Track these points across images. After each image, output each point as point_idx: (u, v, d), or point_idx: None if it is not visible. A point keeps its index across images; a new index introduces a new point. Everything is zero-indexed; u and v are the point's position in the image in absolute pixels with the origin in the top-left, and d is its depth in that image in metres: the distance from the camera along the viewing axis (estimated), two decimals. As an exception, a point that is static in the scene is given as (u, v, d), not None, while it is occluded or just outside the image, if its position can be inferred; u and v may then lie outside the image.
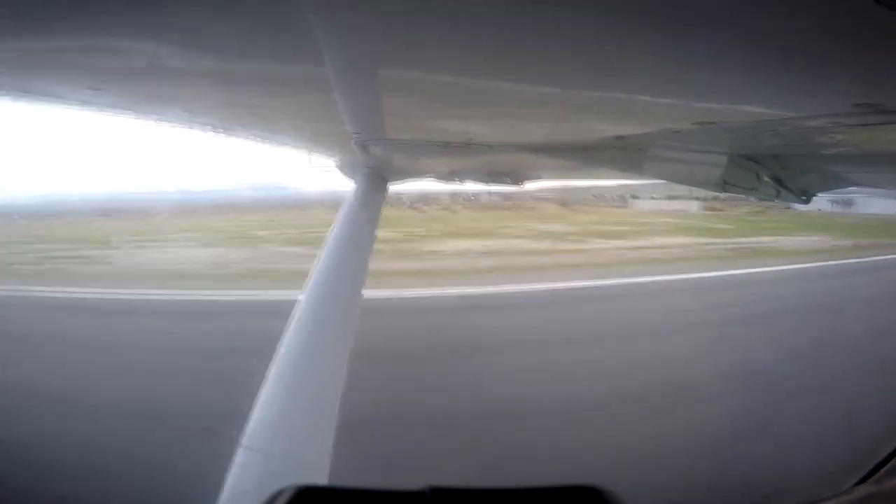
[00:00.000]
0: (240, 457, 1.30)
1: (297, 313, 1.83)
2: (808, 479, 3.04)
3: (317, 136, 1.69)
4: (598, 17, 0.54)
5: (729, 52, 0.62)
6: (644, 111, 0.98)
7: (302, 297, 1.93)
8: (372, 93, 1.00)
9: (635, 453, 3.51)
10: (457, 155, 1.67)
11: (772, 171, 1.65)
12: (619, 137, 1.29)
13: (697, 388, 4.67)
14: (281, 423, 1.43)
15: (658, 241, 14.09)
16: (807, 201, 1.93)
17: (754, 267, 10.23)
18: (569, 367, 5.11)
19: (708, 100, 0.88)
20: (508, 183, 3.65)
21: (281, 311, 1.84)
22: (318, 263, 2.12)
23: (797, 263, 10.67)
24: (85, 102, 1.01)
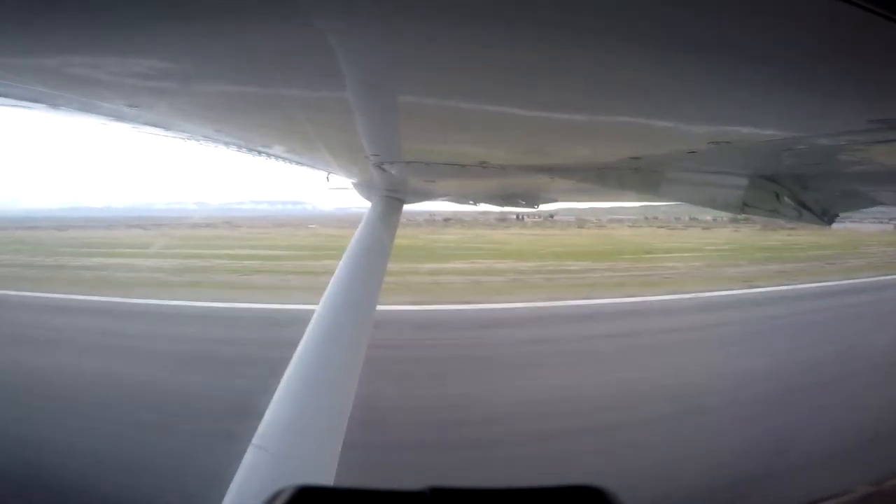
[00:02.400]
0: (249, 456, 1.34)
1: (312, 324, 1.87)
2: None
3: (336, 156, 1.74)
4: (613, 42, 0.56)
5: (742, 72, 0.62)
6: (659, 131, 0.98)
7: (317, 309, 1.97)
8: (390, 115, 1.03)
9: None
10: (472, 177, 1.69)
11: (793, 191, 1.62)
12: (635, 158, 1.29)
13: None
14: (291, 426, 1.47)
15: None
16: (829, 222, 1.88)
17: None
18: None
19: (722, 119, 0.88)
20: (522, 205, 3.66)
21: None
22: (335, 278, 2.15)
23: None
24: (120, 117, 1.07)
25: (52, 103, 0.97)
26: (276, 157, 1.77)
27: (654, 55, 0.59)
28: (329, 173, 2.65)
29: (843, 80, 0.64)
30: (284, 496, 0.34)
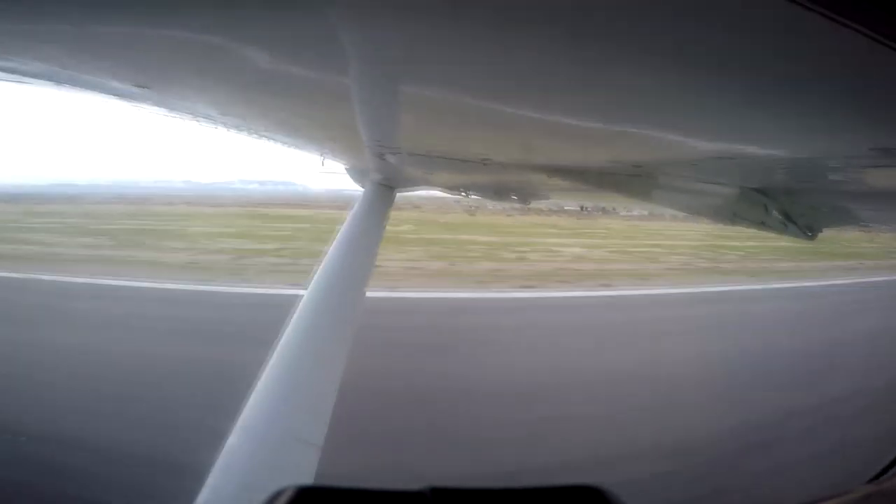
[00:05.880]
0: (226, 452, 1.25)
1: (296, 315, 1.81)
2: None
3: (336, 143, 1.71)
4: (626, 52, 0.56)
5: (752, 93, 0.63)
6: (664, 143, 1.00)
7: (303, 298, 1.91)
8: (398, 109, 1.02)
9: None
10: (472, 172, 1.68)
11: (781, 205, 1.66)
12: (636, 166, 1.31)
13: None
14: (270, 424, 1.39)
15: None
16: (812, 237, 1.94)
17: None
18: None
19: (728, 136, 0.90)
20: (515, 200, 3.68)
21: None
22: (323, 266, 2.11)
23: None
24: (126, 96, 1.03)
25: (58, 80, 0.94)
26: (275, 139, 1.74)
27: (664, 72, 0.60)
28: (324, 157, 2.61)
29: (849, 109, 0.66)
30: (284, 497, 0.34)
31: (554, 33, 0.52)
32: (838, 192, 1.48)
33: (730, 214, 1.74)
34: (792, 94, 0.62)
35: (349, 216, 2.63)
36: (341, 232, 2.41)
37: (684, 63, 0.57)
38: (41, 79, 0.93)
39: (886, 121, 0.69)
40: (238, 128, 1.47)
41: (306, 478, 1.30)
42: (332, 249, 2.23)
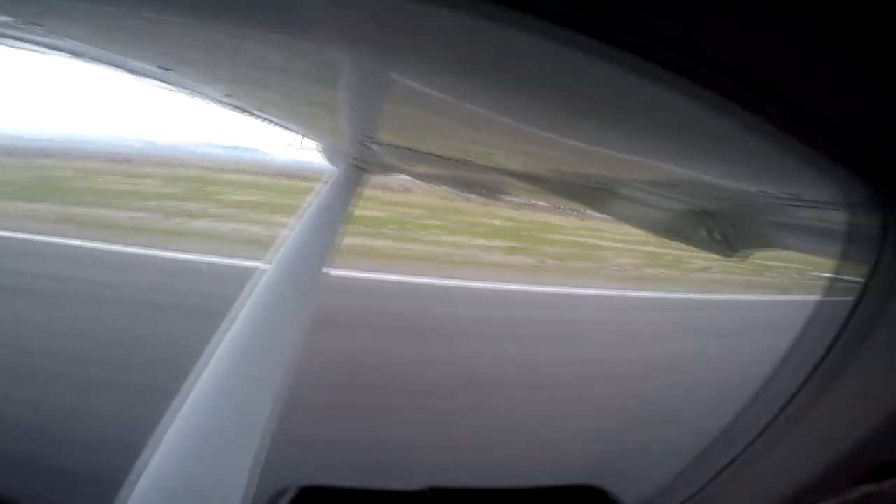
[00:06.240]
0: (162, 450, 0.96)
1: (253, 290, 1.75)
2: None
3: (326, 131, 1.74)
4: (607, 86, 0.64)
5: (693, 146, 0.78)
6: (632, 166, 1.14)
7: (263, 274, 1.87)
8: (388, 108, 1.08)
9: None
10: (450, 167, 1.77)
11: (720, 226, 1.86)
12: (600, 182, 1.46)
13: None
14: (199, 434, 1.06)
15: None
16: (734, 256, 2.14)
17: None
18: None
19: (682, 165, 1.05)
20: (482, 194, 3.81)
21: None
22: (287, 241, 2.08)
23: None
24: (132, 71, 1.03)
25: (79, 53, 0.93)
26: (263, 119, 1.75)
27: (632, 129, 0.72)
28: (304, 137, 2.60)
29: (766, 167, 0.82)
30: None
31: (551, 57, 0.59)
32: (768, 221, 1.68)
33: (673, 231, 1.91)
34: (725, 157, 0.77)
35: (320, 193, 2.62)
36: (311, 208, 2.40)
37: (665, 113, 0.69)
38: (61, 52, 0.92)
39: (789, 176, 0.86)
40: (233, 107, 1.48)
41: (243, 470, 1.06)
42: (298, 225, 2.20)
